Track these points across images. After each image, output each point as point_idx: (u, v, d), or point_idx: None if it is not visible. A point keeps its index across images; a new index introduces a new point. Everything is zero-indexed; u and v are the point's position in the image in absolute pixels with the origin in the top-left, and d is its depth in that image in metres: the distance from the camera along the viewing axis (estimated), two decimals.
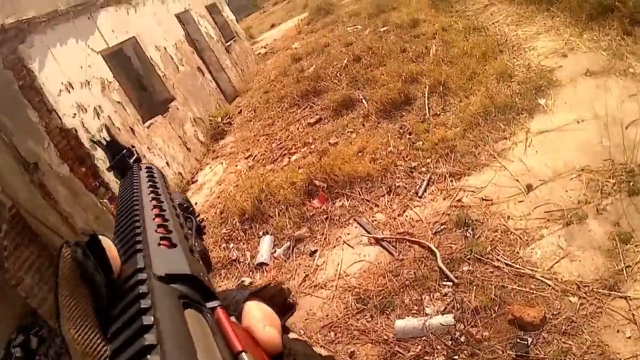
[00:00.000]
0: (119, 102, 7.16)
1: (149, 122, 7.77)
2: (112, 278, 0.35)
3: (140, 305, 0.29)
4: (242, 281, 4.81)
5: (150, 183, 0.61)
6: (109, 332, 0.30)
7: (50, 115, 5.65)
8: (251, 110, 9.62)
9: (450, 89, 6.05)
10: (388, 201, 4.78)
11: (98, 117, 6.60)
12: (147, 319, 0.28)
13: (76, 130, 6.08)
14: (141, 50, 8.44)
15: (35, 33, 5.98)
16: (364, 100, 6.95)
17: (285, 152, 6.80)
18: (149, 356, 0.25)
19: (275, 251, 4.89)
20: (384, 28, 9.57)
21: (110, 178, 6.26)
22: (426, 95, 6.12)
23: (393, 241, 4.25)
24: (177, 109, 8.65)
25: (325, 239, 4.72)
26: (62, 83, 6.09)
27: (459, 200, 4.33)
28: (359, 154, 5.52)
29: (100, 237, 0.37)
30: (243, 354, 0.32)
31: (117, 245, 0.41)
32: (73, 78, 6.45)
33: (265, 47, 16.31)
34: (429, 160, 4.99)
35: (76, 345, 0.30)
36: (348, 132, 6.38)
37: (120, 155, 0.80)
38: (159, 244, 0.40)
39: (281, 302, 0.46)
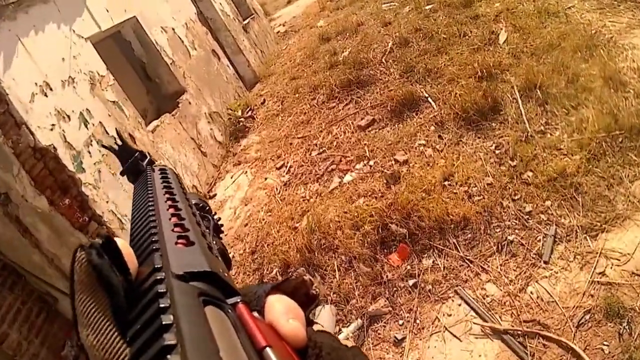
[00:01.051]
0: (113, 102, 5.69)
1: (154, 124, 6.27)
2: (130, 280, 0.34)
3: (159, 304, 0.29)
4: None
5: (164, 184, 0.59)
6: (128, 334, 0.29)
7: (19, 130, 4.17)
8: (277, 101, 8.07)
9: (550, 94, 4.45)
10: (501, 264, 3.35)
11: (86, 126, 5.12)
12: (166, 318, 0.27)
13: (55, 149, 4.61)
14: (144, 33, 6.89)
15: None
16: (430, 100, 5.34)
17: (334, 166, 5.25)
18: (169, 356, 0.25)
19: (339, 330, 3.44)
20: (430, 6, 7.86)
21: (104, 209, 4.90)
22: (519, 100, 4.52)
23: (519, 334, 2.93)
24: (189, 103, 7.12)
25: (414, 319, 3.28)
26: (37, 84, 4.60)
27: (601, 273, 3.03)
28: (445, 183, 3.97)
29: (116, 238, 0.35)
30: (267, 349, 0.31)
31: (134, 246, 0.41)
32: (52, 76, 4.95)
33: (284, 25, 14.61)
34: (548, 204, 3.51)
35: (95, 351, 0.29)
36: (419, 144, 4.81)
37: (133, 159, 0.75)
38: (176, 243, 0.39)
39: (304, 294, 0.44)
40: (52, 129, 4.72)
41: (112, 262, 0.34)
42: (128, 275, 0.34)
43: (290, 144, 6.49)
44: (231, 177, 6.75)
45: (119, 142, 0.83)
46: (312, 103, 7.06)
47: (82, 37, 5.63)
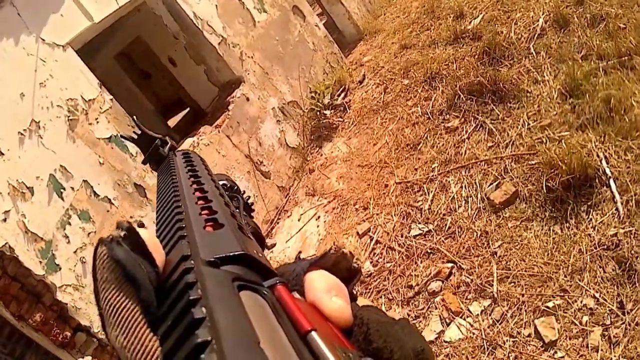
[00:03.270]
0: (109, 140, 4.00)
1: (183, 147, 4.39)
2: (158, 272, 0.31)
3: (189, 296, 0.27)
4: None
5: (188, 167, 0.57)
6: (159, 332, 0.27)
7: None
8: (380, 84, 5.77)
9: None
10: None
11: (60, 195, 3.65)
12: (198, 312, 0.25)
13: (11, 249, 3.25)
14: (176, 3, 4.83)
15: None
16: (613, 185, 2.83)
17: (437, 284, 3.25)
18: (203, 355, 0.23)
19: None
20: None
21: (92, 315, 3.53)
22: None
23: None
24: (247, 100, 5.15)
25: None
26: None
27: None
28: None
29: (138, 228, 0.33)
30: (312, 332, 0.28)
31: (159, 235, 0.39)
32: (1, 131, 3.31)
33: None
34: None
35: (127, 353, 0.27)
36: (581, 307, 2.45)
37: (154, 146, 0.71)
38: (205, 227, 0.37)
39: (345, 268, 0.41)
40: (4, 219, 3.22)
41: (137, 255, 0.31)
42: (155, 267, 0.31)
43: (386, 185, 4.32)
44: (299, 219, 4.82)
45: (138, 131, 0.77)
46: (426, 108, 4.66)
47: (57, 44, 3.83)
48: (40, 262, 3.35)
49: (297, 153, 5.54)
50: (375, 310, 0.38)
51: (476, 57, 4.71)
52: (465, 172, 3.78)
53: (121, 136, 0.82)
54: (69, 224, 3.62)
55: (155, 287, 0.30)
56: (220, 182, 0.61)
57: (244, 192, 0.73)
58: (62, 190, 3.66)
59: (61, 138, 3.76)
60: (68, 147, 3.78)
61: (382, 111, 5.29)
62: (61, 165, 3.69)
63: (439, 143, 4.27)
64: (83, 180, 3.80)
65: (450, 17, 5.78)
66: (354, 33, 7.33)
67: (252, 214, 0.73)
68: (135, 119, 0.82)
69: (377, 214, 4.16)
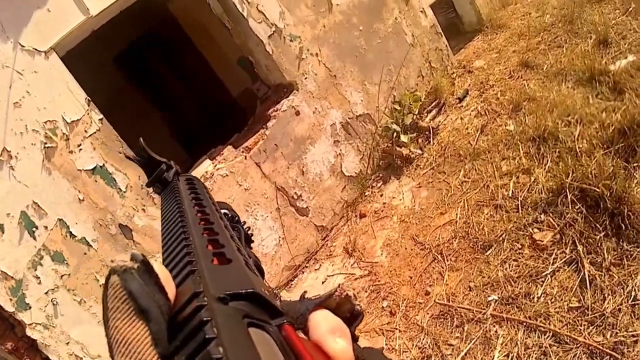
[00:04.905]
0: (92, 171, 3.43)
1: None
2: (170, 305, 0.32)
3: (205, 335, 0.28)
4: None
5: (193, 195, 0.60)
6: None
7: None
8: (481, 109, 4.54)
9: None
10: None
11: (32, 234, 3.20)
12: (215, 351, 0.26)
13: None
14: None
15: None
16: None
17: None
18: None
19: None
20: None
21: (62, 353, 3.27)
22: None
23: None
24: (297, 113, 4.18)
25: None
26: None
27: None
28: None
29: (151, 261, 0.34)
30: None
31: (167, 265, 0.40)
32: None
33: None
34: None
35: None
36: None
37: (159, 170, 0.73)
38: (212, 261, 0.39)
39: (348, 310, 0.45)
40: None
41: (150, 288, 0.32)
42: (168, 301, 0.32)
43: (427, 293, 3.39)
44: (324, 280, 3.95)
45: (143, 153, 0.78)
46: (519, 189, 3.44)
47: (38, 50, 3.16)
48: (11, 299, 3.09)
49: (355, 183, 4.48)
50: (376, 352, 0.43)
51: (609, 131, 3.16)
52: (524, 334, 2.54)
53: (126, 156, 1.27)
54: (41, 264, 3.23)
55: (166, 321, 0.31)
56: (223, 212, 0.64)
57: (244, 222, 0.76)
58: (34, 229, 3.21)
59: (35, 169, 3.21)
60: (43, 181, 3.23)
61: (469, 162, 3.98)
62: (34, 202, 3.19)
63: (512, 261, 3.00)
64: (58, 219, 3.29)
65: (590, 38, 4.07)
66: (474, 21, 5.72)
67: (251, 245, 0.75)
68: (142, 140, 0.79)
69: (400, 331, 3.13)
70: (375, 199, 4.37)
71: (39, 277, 3.22)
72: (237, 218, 0.73)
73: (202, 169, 3.85)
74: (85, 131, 3.35)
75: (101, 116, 3.43)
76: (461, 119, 4.53)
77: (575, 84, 4.04)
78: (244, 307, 0.33)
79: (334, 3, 4.41)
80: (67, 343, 3.27)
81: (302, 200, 4.20)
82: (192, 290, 0.32)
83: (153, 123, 7.39)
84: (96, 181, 3.41)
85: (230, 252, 0.41)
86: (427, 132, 4.52)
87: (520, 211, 3.37)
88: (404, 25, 4.83)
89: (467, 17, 5.80)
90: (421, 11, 4.97)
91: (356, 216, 4.33)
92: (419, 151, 4.44)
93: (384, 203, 4.25)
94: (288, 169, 4.13)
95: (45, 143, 3.23)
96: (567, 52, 4.42)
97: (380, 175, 4.55)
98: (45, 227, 3.25)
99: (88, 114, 3.36)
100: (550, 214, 3.21)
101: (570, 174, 3.28)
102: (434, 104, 4.80)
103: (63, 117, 3.28)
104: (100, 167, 3.41)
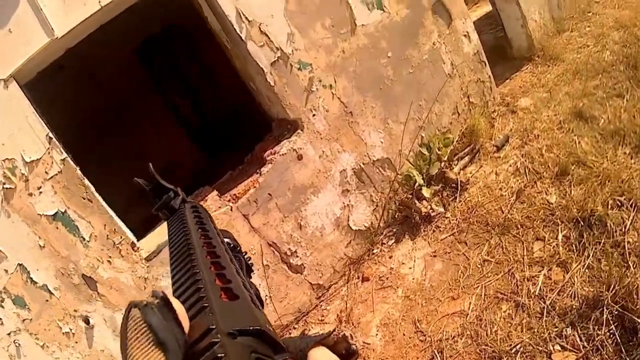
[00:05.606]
0: (53, 218, 3.11)
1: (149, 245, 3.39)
2: (186, 339, 0.36)
3: None
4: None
5: (199, 225, 0.63)
6: None
7: None
8: (520, 167, 4.02)
9: None
10: None
11: None
12: None
13: None
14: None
15: None
16: None
17: None
18: None
19: None
20: None
21: None
22: None
23: None
24: (299, 158, 3.67)
25: None
26: None
27: None
28: None
29: (170, 298, 0.38)
30: None
31: (177, 296, 0.44)
32: None
33: None
34: None
35: None
36: None
37: (166, 197, 0.77)
38: (221, 296, 0.43)
39: (344, 349, 0.49)
40: None
41: (169, 323, 0.35)
42: (184, 335, 0.35)
43: None
44: None
45: (151, 179, 0.81)
46: (549, 287, 3.00)
47: None
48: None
49: (363, 238, 3.93)
50: None
51: None
52: None
53: (134, 180, 0.81)
54: (2, 307, 3.03)
55: (183, 353, 0.34)
56: (226, 241, 0.66)
57: (246, 253, 0.79)
58: None
59: None
60: (2, 223, 2.95)
61: (496, 234, 3.35)
62: None
63: None
64: (18, 263, 3.03)
65: None
66: (524, 47, 4.90)
67: (251, 275, 0.77)
68: (151, 166, 0.81)
69: None
70: (382, 261, 3.81)
71: (1, 319, 3.04)
72: (238, 248, 0.75)
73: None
74: (46, 172, 3.00)
75: (64, 156, 3.05)
76: (496, 174, 3.84)
77: (634, 150, 3.30)
78: (251, 342, 0.36)
79: (359, 23, 3.78)
80: None
81: (297, 257, 3.71)
82: (206, 325, 0.36)
83: (169, 121, 7.13)
84: (57, 228, 3.08)
85: (237, 288, 0.45)
86: (454, 185, 3.88)
87: (544, 318, 2.78)
88: (443, 52, 4.13)
89: (516, 41, 4.98)
90: (464, 35, 4.23)
91: (358, 278, 3.80)
92: (442, 209, 3.82)
93: (392, 268, 3.69)
94: (282, 222, 3.63)
95: (4, 183, 2.92)
96: (628, 105, 3.63)
97: (394, 230, 3.97)
98: (6, 271, 3.03)
99: (49, 153, 3.00)
100: (578, 330, 2.63)
101: (612, 286, 2.65)
102: (467, 149, 4.12)
103: (22, 156, 2.93)
104: (62, 213, 3.07)
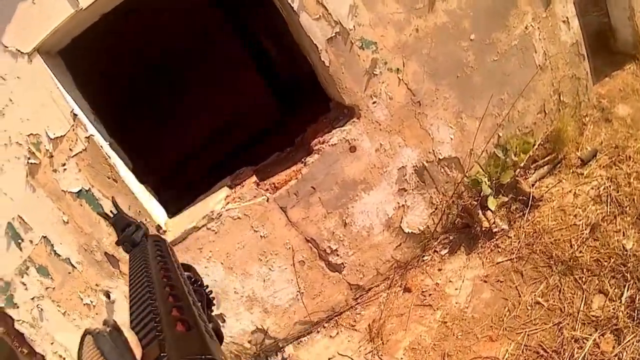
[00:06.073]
0: (78, 194, 3.02)
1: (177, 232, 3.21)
2: None
3: None
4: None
5: (159, 258, 0.65)
6: None
7: None
8: (600, 194, 3.29)
9: None
10: None
11: (18, 245, 3.02)
12: None
13: None
14: None
15: None
16: None
17: None
18: None
19: None
20: None
21: (47, 350, 3.30)
22: None
23: None
24: (352, 149, 3.32)
25: None
26: None
27: None
28: None
29: (122, 327, 0.42)
30: None
31: (135, 327, 0.46)
32: None
33: None
34: None
35: None
36: None
37: (128, 230, 0.80)
38: (176, 326, 0.45)
39: None
40: None
41: (120, 350, 0.38)
42: None
43: None
44: (331, 357, 3.31)
45: (115, 211, 0.84)
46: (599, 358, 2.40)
47: (21, 52, 2.64)
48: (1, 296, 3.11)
49: (415, 242, 3.55)
50: None
51: None
52: None
53: (97, 212, 1.12)
54: (27, 274, 3.11)
55: None
56: (186, 274, 0.68)
57: (207, 286, 0.79)
58: (20, 241, 3.02)
59: (20, 185, 2.90)
60: (27, 197, 2.93)
61: (556, 273, 2.89)
62: (19, 216, 2.93)
63: None
64: (43, 236, 3.04)
65: None
66: (629, 42, 4.05)
67: (212, 308, 0.78)
68: (114, 198, 0.86)
69: None
70: (430, 271, 3.43)
71: (25, 284, 3.13)
72: (200, 282, 0.76)
73: (213, 202, 3.19)
74: (70, 149, 2.85)
75: (88, 133, 2.86)
76: (575, 195, 3.27)
77: None
78: None
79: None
80: (52, 343, 3.26)
81: (337, 255, 3.41)
82: (158, 353, 0.39)
83: (247, 74, 6.67)
84: (81, 205, 2.98)
85: (192, 319, 0.47)
86: (525, 199, 3.36)
87: None
88: (536, 39, 3.46)
89: (622, 33, 4.11)
90: (563, 21, 3.51)
91: (401, 286, 3.46)
92: (506, 226, 3.34)
93: (437, 284, 3.32)
94: (325, 218, 3.31)
95: (29, 158, 2.82)
96: None
97: (451, 238, 3.55)
98: (31, 242, 3.07)
99: (74, 129, 2.84)
100: None
101: None
102: (548, 157, 3.53)
103: (46, 132, 2.80)
104: (86, 191, 2.94)
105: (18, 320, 3.20)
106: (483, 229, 3.36)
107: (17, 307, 3.18)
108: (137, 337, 0.42)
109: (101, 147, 2.93)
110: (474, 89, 3.43)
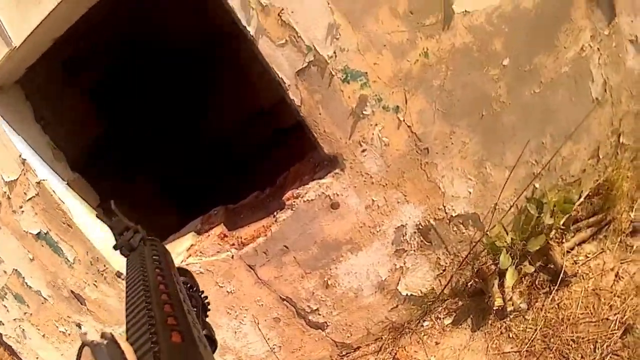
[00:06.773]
0: (37, 236, 2.95)
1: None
2: None
3: None
4: None
5: (156, 264, 0.65)
6: None
7: None
8: None
9: None
10: None
11: None
12: None
13: None
14: None
15: None
16: None
17: None
18: None
19: None
20: None
21: None
22: None
23: None
24: (333, 206, 2.76)
25: None
26: None
27: None
28: None
29: (118, 339, 0.41)
30: None
31: (130, 336, 0.46)
32: None
33: None
34: None
35: None
36: None
37: (125, 235, 0.79)
38: (170, 336, 0.44)
39: None
40: None
41: None
42: None
43: None
44: None
45: (112, 216, 0.86)
46: None
47: None
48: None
49: (415, 304, 2.98)
50: None
51: None
52: None
53: (96, 216, 0.86)
54: (6, 298, 3.15)
55: None
56: (182, 279, 0.68)
57: (202, 292, 0.79)
58: None
59: None
60: None
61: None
62: None
63: None
64: (14, 269, 3.02)
65: None
66: None
67: (207, 314, 0.79)
68: (113, 203, 0.82)
69: None
70: (427, 342, 2.89)
71: (6, 307, 3.19)
72: (195, 287, 0.77)
73: (178, 249, 2.85)
74: (25, 193, 2.71)
75: (39, 179, 2.60)
76: (617, 275, 2.47)
77: None
78: None
79: (459, 10, 2.37)
80: (37, 358, 3.34)
81: (319, 314, 2.96)
82: None
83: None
84: (43, 246, 2.86)
85: (186, 328, 0.47)
86: (554, 269, 2.61)
87: None
88: (594, 64, 2.50)
89: None
90: (631, 40, 2.46)
91: (390, 354, 2.97)
92: (524, 305, 2.64)
93: (436, 342, 2.79)
94: (303, 278, 2.84)
95: None
96: None
97: (459, 304, 2.93)
98: (5, 272, 3.04)
99: (24, 174, 2.61)
100: None
101: None
102: (593, 217, 2.67)
103: (1, 175, 2.59)
104: (45, 233, 2.80)
105: (5, 335, 3.31)
106: (496, 307, 2.70)
107: (2, 324, 3.27)
108: (132, 345, 0.42)
109: (53, 192, 2.69)
110: (505, 130, 2.61)
